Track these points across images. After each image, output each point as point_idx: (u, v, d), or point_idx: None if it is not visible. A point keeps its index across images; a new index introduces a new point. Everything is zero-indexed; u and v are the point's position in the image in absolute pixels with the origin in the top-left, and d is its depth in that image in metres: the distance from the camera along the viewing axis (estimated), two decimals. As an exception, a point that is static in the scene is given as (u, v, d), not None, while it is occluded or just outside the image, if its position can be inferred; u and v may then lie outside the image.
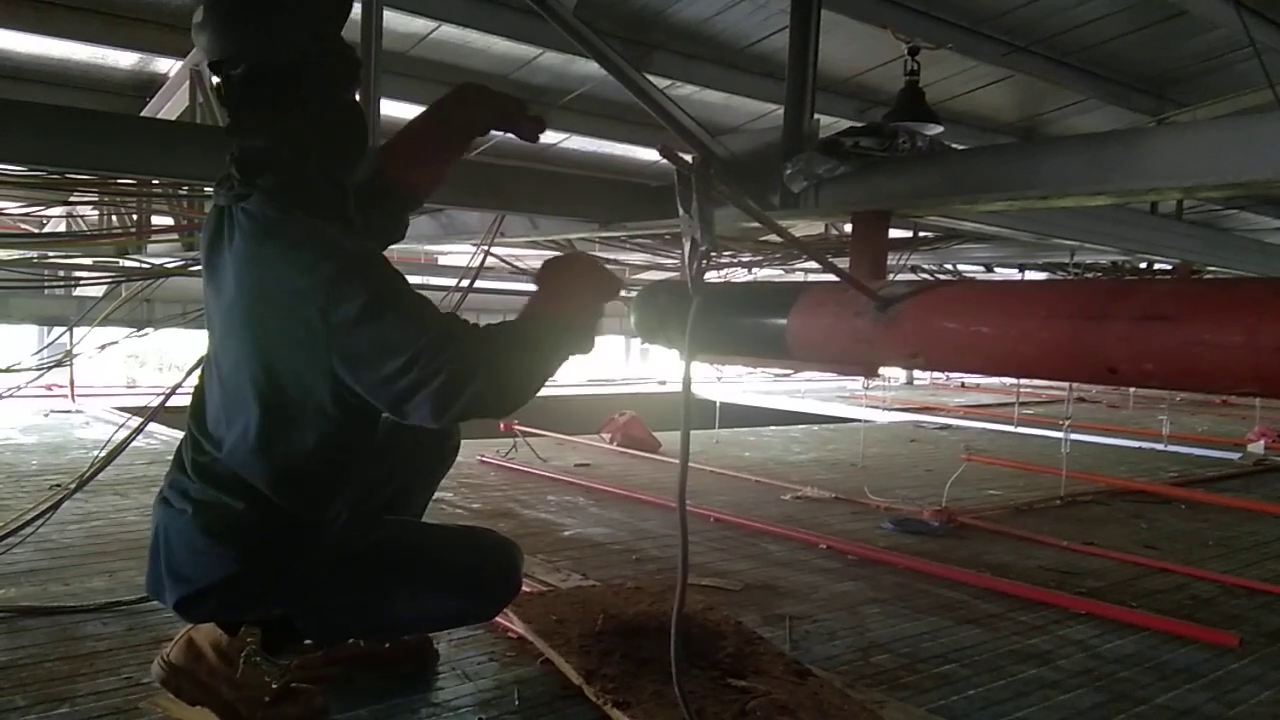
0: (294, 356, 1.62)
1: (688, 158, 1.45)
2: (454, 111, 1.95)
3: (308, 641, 1.89)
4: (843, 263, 2.18)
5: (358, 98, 1.86)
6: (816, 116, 2.39)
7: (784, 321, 1.77)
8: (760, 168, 2.41)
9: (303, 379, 1.63)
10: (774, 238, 4.45)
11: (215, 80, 1.72)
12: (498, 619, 2.24)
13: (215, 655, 1.77)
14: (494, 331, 1.62)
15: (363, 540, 1.80)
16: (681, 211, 1.44)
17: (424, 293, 1.64)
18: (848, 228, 2.60)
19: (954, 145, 2.91)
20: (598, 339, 1.73)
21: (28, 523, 2.82)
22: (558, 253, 4.89)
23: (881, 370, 1.82)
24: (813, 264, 5.81)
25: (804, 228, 4.83)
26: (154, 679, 1.83)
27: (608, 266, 1.81)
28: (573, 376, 10.63)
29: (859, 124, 2.46)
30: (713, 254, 1.49)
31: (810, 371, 4.65)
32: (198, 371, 1.88)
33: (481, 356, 1.56)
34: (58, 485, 3.78)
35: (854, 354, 1.66)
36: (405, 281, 1.62)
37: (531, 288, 1.76)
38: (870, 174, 2.23)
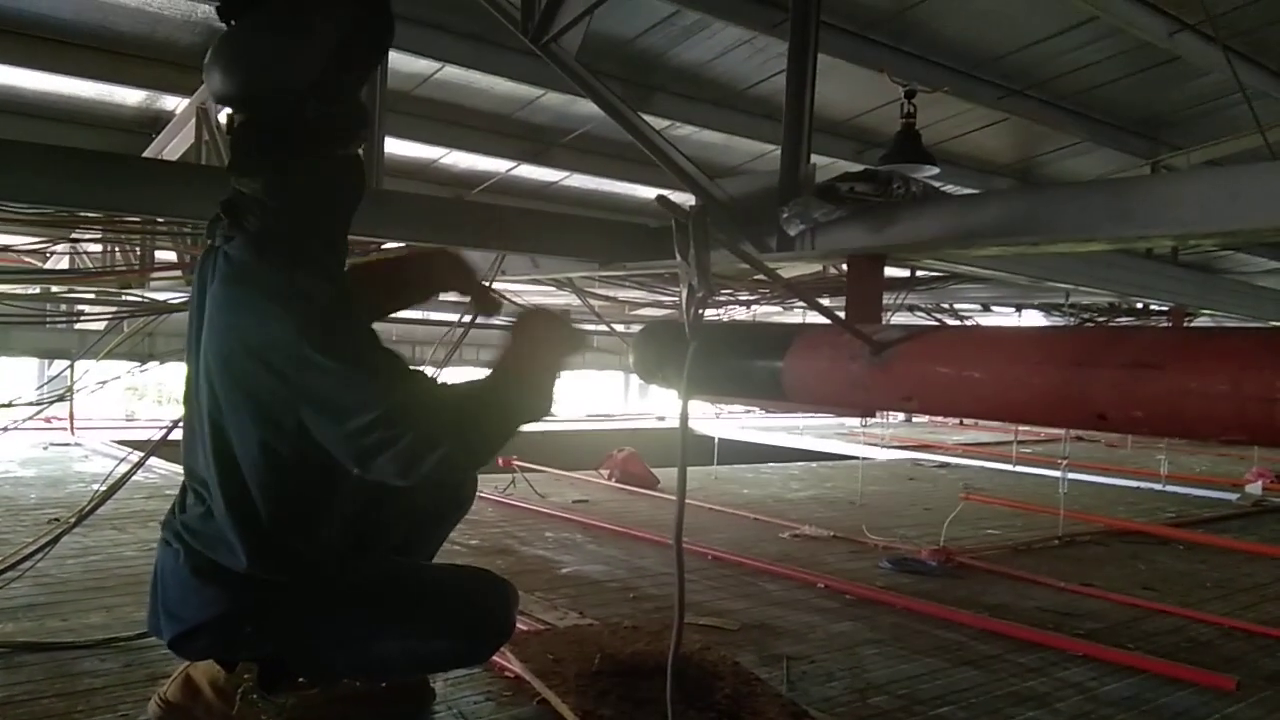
0: (266, 403, 1.61)
1: (685, 201, 1.48)
2: (432, 264, 2.11)
3: (303, 680, 1.89)
4: (838, 303, 2.20)
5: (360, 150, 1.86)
6: (813, 160, 2.42)
7: (780, 364, 1.80)
8: (758, 211, 2.44)
9: (274, 425, 1.62)
10: (772, 277, 4.47)
11: (225, 116, 1.74)
12: (494, 658, 2.23)
13: (212, 692, 1.77)
14: (461, 393, 1.63)
15: (353, 581, 1.80)
16: (679, 258, 1.46)
17: (423, 328, 1.65)
18: (844, 266, 2.63)
19: (951, 186, 2.95)
20: (585, 379, 1.75)
21: (26, 557, 2.82)
22: (536, 302, 4.91)
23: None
24: (811, 302, 5.82)
25: (801, 266, 4.85)
26: (150, 718, 1.82)
27: (573, 324, 1.83)
28: (572, 412, 10.64)
29: (856, 165, 2.49)
30: (710, 298, 1.52)
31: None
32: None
33: (450, 419, 1.56)
34: (56, 519, 3.77)
35: (849, 397, 1.69)
36: (376, 337, 1.62)
37: (503, 336, 1.77)
38: (865, 218, 2.26)
